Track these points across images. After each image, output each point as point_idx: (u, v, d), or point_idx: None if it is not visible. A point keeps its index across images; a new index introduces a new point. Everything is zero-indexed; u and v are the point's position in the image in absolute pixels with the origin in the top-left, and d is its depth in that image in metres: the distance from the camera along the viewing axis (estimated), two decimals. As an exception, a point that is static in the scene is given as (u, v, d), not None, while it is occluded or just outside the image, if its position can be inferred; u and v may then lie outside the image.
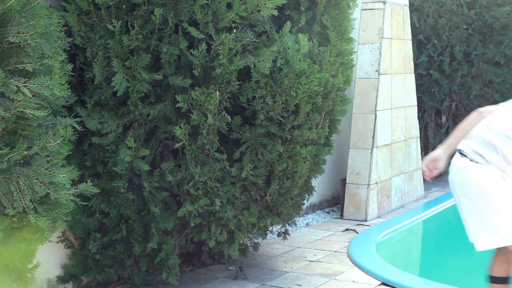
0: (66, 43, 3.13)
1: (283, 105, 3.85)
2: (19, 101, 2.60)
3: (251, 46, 3.84)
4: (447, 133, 8.03)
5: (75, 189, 2.95)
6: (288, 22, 3.91)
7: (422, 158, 7.64)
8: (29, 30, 2.61)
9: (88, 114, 3.59)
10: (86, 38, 3.58)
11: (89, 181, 3.11)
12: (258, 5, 3.70)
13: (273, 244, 5.18)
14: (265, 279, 4.32)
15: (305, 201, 4.69)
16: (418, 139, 6.92)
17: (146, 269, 4.06)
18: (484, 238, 3.12)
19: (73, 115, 3.31)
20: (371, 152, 6.00)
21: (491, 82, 7.80)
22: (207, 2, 3.59)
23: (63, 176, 2.78)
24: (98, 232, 3.83)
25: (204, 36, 3.62)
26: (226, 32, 3.60)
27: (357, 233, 5.50)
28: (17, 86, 2.59)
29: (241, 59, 3.65)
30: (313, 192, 4.70)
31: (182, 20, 3.62)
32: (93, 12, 3.56)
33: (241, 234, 4.06)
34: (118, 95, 3.56)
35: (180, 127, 3.61)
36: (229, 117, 3.75)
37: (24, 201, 2.68)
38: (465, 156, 3.16)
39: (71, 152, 2.91)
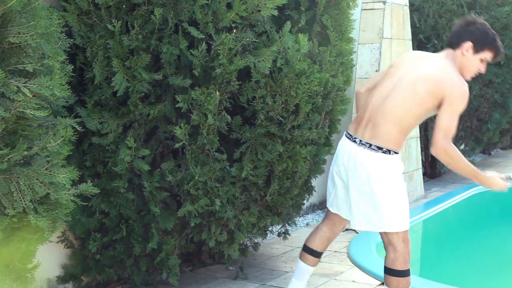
0: (67, 44, 3.13)
1: (283, 105, 3.85)
2: (19, 101, 2.60)
3: (251, 46, 3.84)
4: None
5: (75, 189, 2.95)
6: (288, 22, 3.91)
7: (422, 158, 7.65)
8: (30, 30, 2.61)
9: (88, 114, 3.59)
10: (86, 38, 3.58)
11: (89, 181, 3.11)
12: (258, 5, 3.70)
13: (273, 244, 5.18)
14: (265, 279, 4.33)
15: (305, 201, 4.69)
16: (418, 139, 6.92)
17: (146, 269, 4.06)
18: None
19: (73, 115, 3.31)
20: (371, 152, 5.99)
21: (491, 82, 7.79)
22: (207, 2, 3.59)
23: (63, 176, 2.78)
24: (98, 232, 3.83)
25: (204, 36, 3.62)
26: (226, 32, 3.61)
27: (357, 233, 5.50)
28: (17, 86, 2.59)
29: (241, 59, 3.66)
30: (313, 192, 4.70)
31: (182, 20, 3.62)
32: (93, 12, 3.56)
33: (241, 234, 4.07)
34: (118, 95, 3.56)
35: (180, 127, 3.61)
36: (229, 117, 3.75)
37: (24, 201, 2.68)
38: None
39: (71, 152, 2.91)
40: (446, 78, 3.10)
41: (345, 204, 3.33)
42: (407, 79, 3.15)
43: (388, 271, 3.22)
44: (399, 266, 3.19)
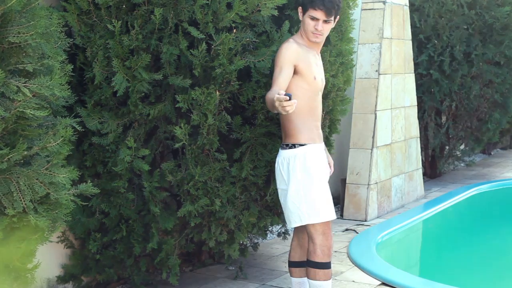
0: (67, 44, 3.13)
1: (283, 105, 3.84)
2: (19, 101, 2.60)
3: (251, 46, 3.84)
4: (447, 133, 8.04)
5: (75, 189, 2.95)
6: (287, 22, 3.91)
7: (422, 158, 7.66)
8: (30, 30, 2.61)
9: (88, 114, 3.59)
10: (86, 38, 3.58)
11: (89, 181, 3.11)
12: (258, 5, 3.70)
13: (273, 244, 5.18)
14: (265, 279, 4.33)
15: (305, 201, 4.68)
16: (418, 139, 6.92)
17: (146, 269, 4.06)
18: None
19: (73, 115, 3.31)
20: (371, 152, 6.00)
21: (491, 82, 7.79)
22: (207, 2, 3.59)
23: (63, 176, 2.78)
24: (98, 232, 3.83)
25: (204, 36, 3.62)
26: (226, 32, 3.61)
27: (357, 233, 5.50)
28: (17, 86, 2.59)
29: (241, 59, 3.65)
30: (313, 192, 4.69)
31: (182, 20, 3.62)
32: (93, 12, 3.56)
33: (241, 234, 4.07)
34: (118, 95, 3.56)
35: (180, 127, 3.61)
36: (229, 117, 3.75)
37: (24, 201, 2.68)
38: None
39: (71, 152, 2.91)
40: None
41: None
42: None
43: (307, 262, 3.39)
44: (316, 258, 3.34)
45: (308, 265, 3.39)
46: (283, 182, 3.40)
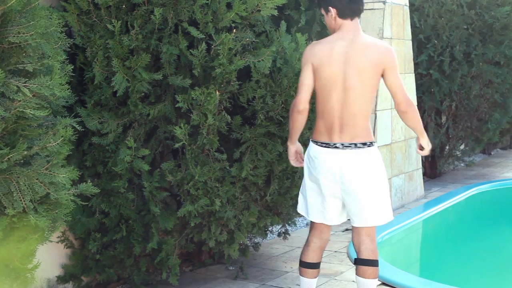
0: (67, 44, 3.13)
1: (282, 105, 3.85)
2: (19, 101, 2.60)
3: (251, 46, 3.84)
4: (447, 133, 8.04)
5: (75, 189, 2.95)
6: (283, 22, 3.91)
7: (422, 158, 7.65)
8: (30, 30, 2.62)
9: (88, 114, 3.59)
10: (86, 38, 3.58)
11: (89, 181, 3.11)
12: (258, 5, 3.70)
13: (273, 244, 5.18)
14: (265, 279, 4.32)
15: (305, 201, 4.69)
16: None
17: (146, 269, 4.06)
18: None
19: (73, 115, 3.31)
20: (371, 152, 5.99)
21: (491, 82, 7.79)
22: (207, 2, 3.59)
23: (63, 176, 2.78)
24: (98, 232, 3.84)
25: (204, 36, 3.62)
26: (226, 32, 3.61)
27: (357, 233, 5.49)
28: (17, 86, 2.59)
29: (241, 59, 3.66)
30: (313, 192, 4.69)
31: (182, 20, 3.62)
32: (93, 12, 3.56)
33: (241, 234, 4.07)
34: (118, 95, 3.56)
35: (180, 127, 3.61)
36: (229, 117, 3.75)
37: (24, 201, 2.68)
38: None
39: (71, 152, 2.91)
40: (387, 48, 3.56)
41: (338, 210, 3.41)
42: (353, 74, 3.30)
43: (373, 262, 3.30)
44: (377, 256, 3.32)
45: (373, 264, 3.30)
46: (369, 180, 3.31)
